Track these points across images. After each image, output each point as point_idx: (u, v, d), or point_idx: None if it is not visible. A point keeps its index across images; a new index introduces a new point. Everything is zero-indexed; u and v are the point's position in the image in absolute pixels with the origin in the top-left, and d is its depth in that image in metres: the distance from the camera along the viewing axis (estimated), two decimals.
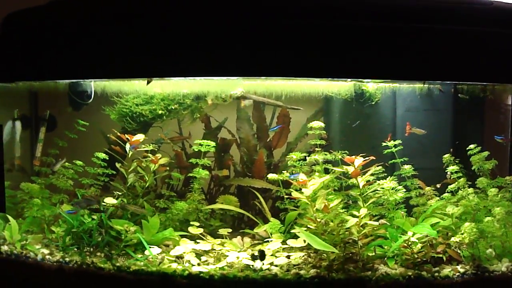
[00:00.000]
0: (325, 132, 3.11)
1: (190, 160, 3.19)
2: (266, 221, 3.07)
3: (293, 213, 2.94)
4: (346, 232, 2.62)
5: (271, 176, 3.00)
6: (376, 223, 2.65)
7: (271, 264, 2.63)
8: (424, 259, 2.60)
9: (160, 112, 3.32)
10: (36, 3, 2.77)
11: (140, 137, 3.06)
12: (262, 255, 2.62)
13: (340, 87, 3.20)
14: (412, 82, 3.03)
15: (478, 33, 2.54)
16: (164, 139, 3.38)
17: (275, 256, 2.71)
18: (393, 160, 3.08)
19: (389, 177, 2.89)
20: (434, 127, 3.28)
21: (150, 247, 2.75)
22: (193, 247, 2.80)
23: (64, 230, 2.88)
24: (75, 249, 2.78)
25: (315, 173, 2.98)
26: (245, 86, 3.24)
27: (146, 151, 3.10)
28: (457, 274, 2.54)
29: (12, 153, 3.43)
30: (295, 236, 2.83)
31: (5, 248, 2.82)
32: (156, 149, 3.18)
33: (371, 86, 3.20)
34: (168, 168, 3.18)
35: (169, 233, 2.89)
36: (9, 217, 2.92)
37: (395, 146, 3.07)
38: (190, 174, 3.15)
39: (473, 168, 2.99)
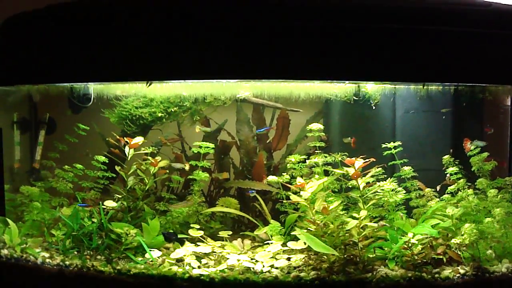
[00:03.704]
0: (324, 134, 3.11)
1: (190, 162, 3.18)
2: (266, 223, 3.07)
3: (293, 215, 2.94)
4: (346, 234, 2.62)
5: (271, 178, 3.00)
6: (376, 224, 2.65)
7: (272, 266, 2.63)
8: (424, 260, 2.60)
9: (159, 114, 3.32)
10: (36, 5, 2.78)
11: (139, 139, 3.06)
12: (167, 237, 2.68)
13: (339, 89, 3.20)
14: (412, 84, 3.03)
15: (477, 35, 2.54)
16: (162, 141, 3.38)
17: (276, 259, 2.71)
18: (392, 162, 3.09)
19: (389, 178, 2.90)
20: (433, 128, 3.29)
21: (150, 250, 2.75)
22: (193, 250, 2.80)
23: (64, 233, 2.88)
24: (75, 253, 2.78)
25: (315, 175, 2.98)
26: (245, 88, 3.24)
27: (146, 154, 3.10)
28: (458, 275, 2.54)
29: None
30: (296, 238, 2.82)
31: (5, 251, 2.82)
32: (156, 152, 3.18)
33: (371, 87, 3.20)
34: (168, 171, 3.18)
35: None
36: (9, 220, 2.91)
37: (394, 147, 3.07)
38: (190, 177, 3.15)
39: (472, 169, 2.99)
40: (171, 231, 2.93)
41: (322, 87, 3.13)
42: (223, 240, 2.98)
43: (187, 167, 3.16)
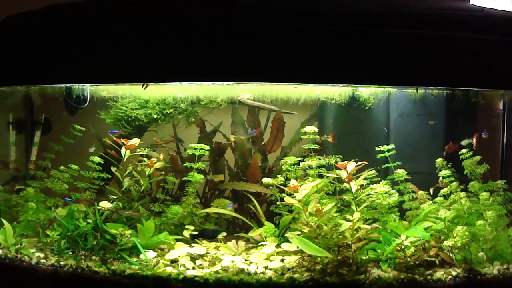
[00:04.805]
0: (318, 136, 3.13)
1: (185, 164, 3.20)
2: (260, 224, 3.09)
3: (287, 217, 2.96)
4: (340, 236, 2.64)
5: (266, 180, 3.02)
6: (369, 226, 2.67)
7: (266, 267, 2.64)
8: (417, 262, 2.62)
9: (155, 116, 3.34)
10: (33, 6, 2.79)
11: (135, 141, 3.08)
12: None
13: (334, 92, 3.22)
14: (405, 88, 3.06)
15: (469, 40, 2.57)
16: (157, 142, 3.39)
17: (270, 260, 2.73)
18: (386, 165, 3.11)
19: (383, 181, 2.92)
20: (426, 132, 3.31)
21: (145, 251, 2.76)
22: (188, 251, 2.81)
23: (59, 233, 2.89)
24: (70, 253, 2.78)
25: (309, 178, 3.00)
26: (243, 90, 3.25)
27: (141, 155, 3.11)
28: (450, 277, 2.56)
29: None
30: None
31: None
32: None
33: (365, 91, 3.23)
34: (163, 172, 3.19)
35: (164, 237, 2.90)
36: (4, 220, 2.92)
37: (388, 150, 3.09)
38: (185, 178, 3.17)
39: (465, 172, 3.02)
40: (214, 227, 2.91)
41: (317, 90, 3.15)
42: (217, 241, 2.99)
43: (161, 157, 3.16)
